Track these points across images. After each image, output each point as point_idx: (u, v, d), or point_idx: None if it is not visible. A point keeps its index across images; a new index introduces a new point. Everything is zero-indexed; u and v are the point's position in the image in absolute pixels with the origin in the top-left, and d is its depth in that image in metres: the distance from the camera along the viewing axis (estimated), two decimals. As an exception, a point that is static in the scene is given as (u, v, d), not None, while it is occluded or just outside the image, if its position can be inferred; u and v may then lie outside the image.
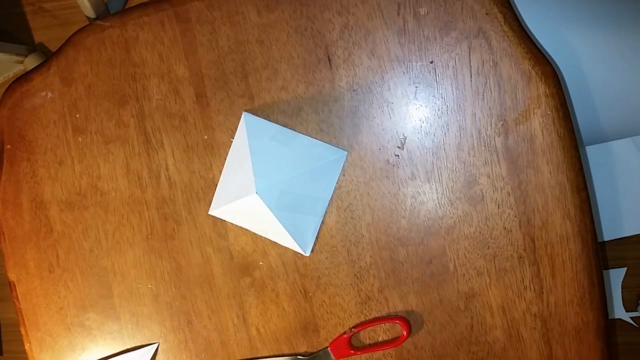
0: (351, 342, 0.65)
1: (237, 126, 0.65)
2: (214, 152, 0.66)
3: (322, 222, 0.64)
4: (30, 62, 1.27)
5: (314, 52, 0.63)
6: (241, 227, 0.66)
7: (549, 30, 0.76)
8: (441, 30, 0.60)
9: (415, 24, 0.61)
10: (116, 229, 0.68)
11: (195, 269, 0.67)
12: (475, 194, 0.61)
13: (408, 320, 0.64)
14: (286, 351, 0.66)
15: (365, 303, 0.65)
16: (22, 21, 1.37)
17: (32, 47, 1.32)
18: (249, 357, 0.67)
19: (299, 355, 0.66)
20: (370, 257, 0.64)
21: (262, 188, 0.60)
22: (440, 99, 0.61)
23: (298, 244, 0.64)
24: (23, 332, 0.70)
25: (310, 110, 0.63)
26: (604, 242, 0.96)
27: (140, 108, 0.66)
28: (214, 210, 0.65)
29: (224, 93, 0.65)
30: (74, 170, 0.68)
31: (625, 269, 1.09)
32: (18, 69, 1.31)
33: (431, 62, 0.61)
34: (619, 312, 1.09)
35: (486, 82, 0.60)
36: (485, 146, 0.61)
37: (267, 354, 0.67)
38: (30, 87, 0.68)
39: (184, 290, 0.67)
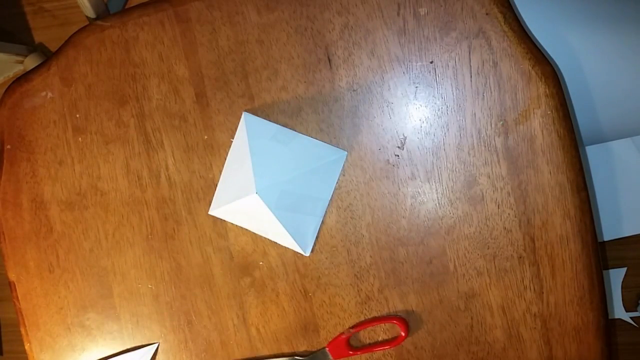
0: (349, 342, 0.65)
1: (237, 126, 0.65)
2: (214, 152, 0.66)
3: (322, 222, 0.64)
4: (30, 62, 1.27)
5: (314, 52, 0.63)
6: (241, 227, 0.66)
7: (549, 30, 0.76)
8: (441, 30, 0.60)
9: (415, 24, 0.61)
10: (116, 229, 0.68)
11: (195, 269, 0.67)
12: (475, 194, 0.61)
13: (406, 321, 0.64)
14: (286, 351, 0.66)
15: (365, 303, 0.65)
16: (22, 21, 1.37)
17: (32, 47, 1.32)
18: (249, 357, 0.67)
19: (297, 356, 0.66)
20: (370, 257, 0.64)
21: (262, 188, 0.60)
22: (440, 99, 0.61)
23: (298, 244, 0.64)
24: (23, 332, 0.71)
25: (310, 110, 0.63)
26: (604, 242, 0.96)
27: (140, 108, 0.66)
28: (214, 210, 0.65)
29: (224, 93, 0.65)
30: (74, 170, 0.68)
31: (625, 269, 1.09)
32: (18, 69, 1.31)
33: (431, 62, 0.61)
34: (619, 312, 1.09)
35: (486, 82, 0.60)
36: (485, 146, 0.61)
37: (267, 354, 0.67)
38: (30, 87, 0.68)
39: (184, 290, 0.67)
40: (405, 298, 0.64)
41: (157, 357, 0.68)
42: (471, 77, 0.60)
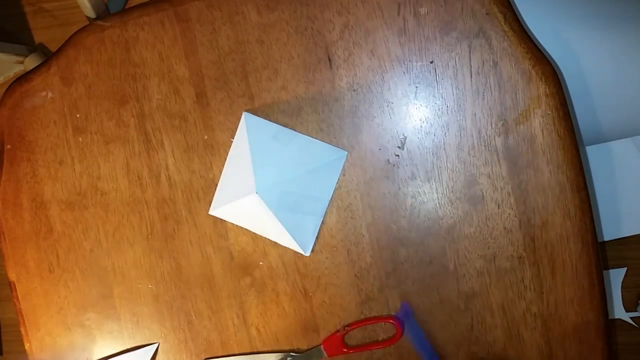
0: (345, 340, 0.65)
1: (237, 126, 0.65)
2: (214, 152, 0.66)
3: (322, 222, 0.64)
4: (31, 62, 1.26)
5: (314, 52, 0.63)
6: (241, 227, 0.66)
7: (549, 30, 0.76)
8: (441, 30, 0.60)
9: (416, 24, 0.61)
10: (116, 228, 0.68)
11: (196, 268, 0.67)
12: (476, 194, 0.61)
13: (402, 320, 0.64)
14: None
15: (366, 303, 0.65)
16: (22, 21, 1.37)
17: (32, 47, 1.32)
18: (247, 352, 0.67)
19: (293, 352, 0.66)
20: (371, 257, 0.64)
21: (262, 188, 0.60)
22: (440, 99, 0.61)
23: (298, 244, 0.64)
24: (23, 332, 0.70)
25: (310, 110, 0.63)
26: (604, 242, 0.96)
27: (140, 108, 0.66)
28: (214, 210, 0.65)
29: (224, 93, 0.65)
30: (74, 170, 0.68)
31: (625, 269, 1.09)
32: (18, 69, 1.30)
33: (431, 62, 0.61)
34: (619, 312, 1.09)
35: (486, 82, 0.60)
36: (485, 146, 0.61)
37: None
38: (31, 87, 0.68)
39: (184, 290, 0.67)
40: (405, 298, 0.64)
41: (157, 357, 0.68)
42: (471, 76, 0.60)
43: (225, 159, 0.65)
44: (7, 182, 0.69)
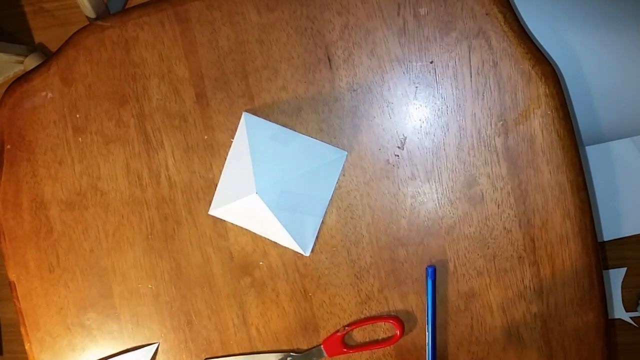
0: (345, 340, 0.65)
1: (237, 126, 0.65)
2: (214, 152, 0.66)
3: (322, 222, 0.64)
4: (31, 62, 1.27)
5: (314, 52, 0.63)
6: (241, 227, 0.66)
7: (549, 30, 0.76)
8: (441, 31, 0.60)
9: (415, 24, 0.61)
10: (116, 229, 0.68)
11: (196, 269, 0.67)
12: (475, 194, 0.61)
13: (401, 320, 0.64)
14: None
15: (366, 303, 0.65)
16: (22, 21, 1.37)
17: (32, 47, 1.32)
18: (246, 352, 0.67)
19: (293, 352, 0.66)
20: (370, 257, 0.64)
21: (262, 188, 0.60)
22: (440, 99, 0.61)
23: (298, 244, 0.64)
24: (23, 332, 0.71)
25: (310, 110, 0.63)
26: (604, 242, 0.96)
27: (140, 108, 0.66)
28: (214, 210, 0.65)
29: (224, 93, 0.65)
30: (74, 170, 0.68)
31: (625, 269, 1.09)
32: (18, 69, 1.31)
33: (431, 62, 0.61)
34: (619, 312, 1.09)
35: (486, 82, 0.60)
36: (485, 146, 0.61)
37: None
38: (31, 87, 0.68)
39: (184, 290, 0.67)
40: (405, 298, 0.64)
41: (157, 357, 0.68)
42: (471, 77, 0.60)
43: (225, 159, 0.65)
44: (7, 182, 0.69)
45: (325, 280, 0.65)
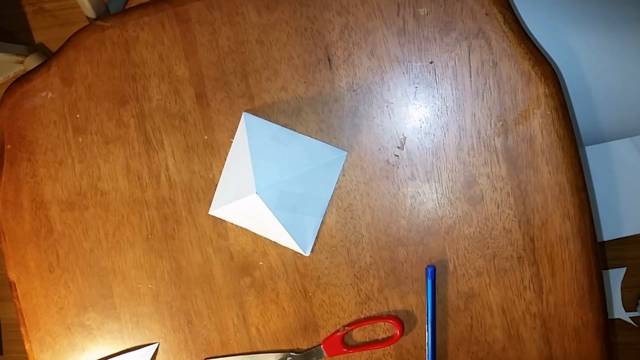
0: (344, 340, 0.65)
1: (237, 126, 0.65)
2: (214, 152, 0.66)
3: (322, 222, 0.64)
4: (31, 62, 1.27)
5: (314, 53, 0.63)
6: (241, 227, 0.66)
7: (549, 30, 0.76)
8: (441, 31, 0.60)
9: (415, 25, 0.61)
10: (116, 229, 0.68)
11: (196, 269, 0.67)
12: (475, 194, 0.62)
13: (401, 320, 0.64)
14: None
15: (365, 303, 0.65)
16: (22, 21, 1.37)
17: (32, 48, 1.32)
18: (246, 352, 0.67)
19: (293, 352, 0.66)
20: (370, 257, 0.64)
21: (262, 188, 0.60)
22: (439, 99, 0.61)
23: (298, 244, 0.64)
24: (23, 332, 0.71)
25: (310, 110, 0.64)
26: (604, 242, 0.96)
27: (140, 108, 0.67)
28: (214, 210, 0.65)
29: (224, 93, 0.65)
30: (74, 170, 0.68)
31: (625, 269, 1.09)
32: (18, 69, 1.31)
33: (431, 63, 0.61)
34: (619, 312, 1.09)
35: (486, 82, 0.60)
36: (484, 146, 0.61)
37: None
38: (31, 87, 0.68)
39: (184, 290, 0.67)
40: (405, 298, 0.64)
41: (157, 357, 0.69)
42: (471, 77, 0.60)
43: (225, 159, 0.65)
44: (7, 182, 0.69)
45: (325, 280, 0.65)
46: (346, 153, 0.63)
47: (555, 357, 0.62)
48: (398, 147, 0.62)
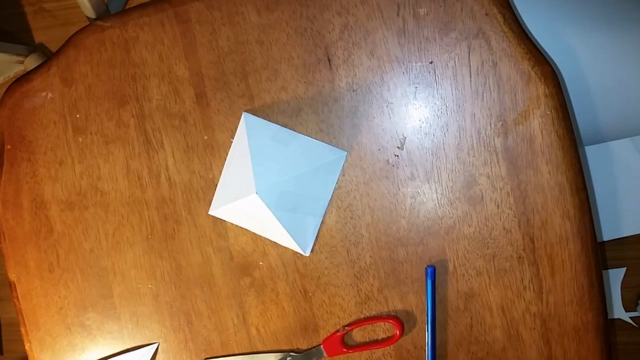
0: (344, 340, 0.65)
1: (237, 126, 0.65)
2: (214, 152, 0.66)
3: (322, 222, 0.64)
4: (31, 62, 1.27)
5: (313, 53, 0.63)
6: (241, 227, 0.66)
7: (549, 30, 0.76)
8: (441, 31, 0.60)
9: (415, 25, 0.61)
10: (116, 229, 0.68)
11: (195, 269, 0.67)
12: (475, 194, 0.62)
13: (401, 320, 0.64)
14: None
15: (365, 303, 0.65)
16: (22, 21, 1.37)
17: (32, 48, 1.32)
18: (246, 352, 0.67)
19: (292, 352, 0.66)
20: (370, 257, 0.64)
21: (262, 188, 0.60)
22: (439, 100, 0.61)
23: (298, 244, 0.64)
24: (23, 332, 0.71)
25: (310, 110, 0.64)
26: (604, 242, 0.96)
27: (140, 108, 0.67)
28: (214, 210, 0.65)
29: (224, 93, 0.65)
30: (74, 170, 0.68)
31: (625, 269, 1.09)
32: (18, 69, 1.31)
33: (431, 63, 0.61)
34: (619, 312, 1.09)
35: (485, 82, 0.60)
36: (484, 146, 0.61)
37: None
38: (31, 88, 0.68)
39: (184, 290, 0.67)
40: (405, 298, 0.64)
41: (157, 357, 0.69)
42: (471, 77, 0.60)
43: (225, 159, 0.65)
44: (7, 182, 0.69)
45: (325, 280, 0.65)
46: (346, 153, 0.63)
47: (555, 357, 0.62)
48: (398, 147, 0.62)
